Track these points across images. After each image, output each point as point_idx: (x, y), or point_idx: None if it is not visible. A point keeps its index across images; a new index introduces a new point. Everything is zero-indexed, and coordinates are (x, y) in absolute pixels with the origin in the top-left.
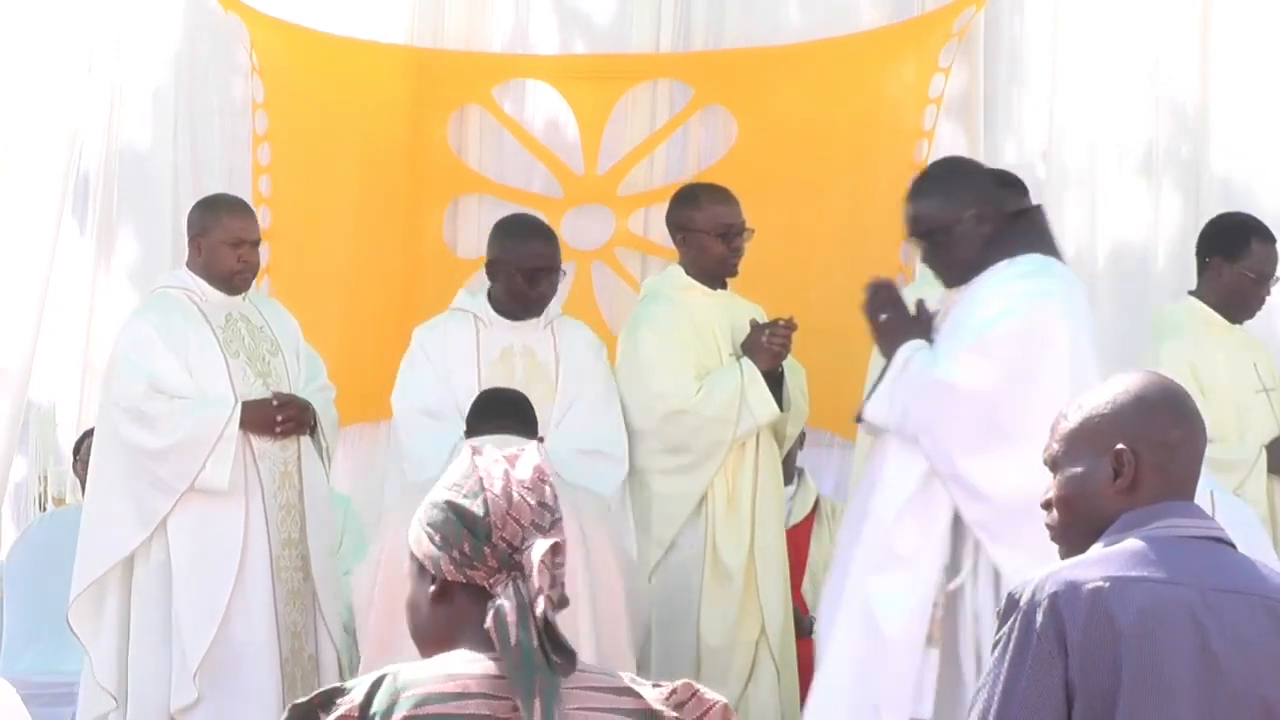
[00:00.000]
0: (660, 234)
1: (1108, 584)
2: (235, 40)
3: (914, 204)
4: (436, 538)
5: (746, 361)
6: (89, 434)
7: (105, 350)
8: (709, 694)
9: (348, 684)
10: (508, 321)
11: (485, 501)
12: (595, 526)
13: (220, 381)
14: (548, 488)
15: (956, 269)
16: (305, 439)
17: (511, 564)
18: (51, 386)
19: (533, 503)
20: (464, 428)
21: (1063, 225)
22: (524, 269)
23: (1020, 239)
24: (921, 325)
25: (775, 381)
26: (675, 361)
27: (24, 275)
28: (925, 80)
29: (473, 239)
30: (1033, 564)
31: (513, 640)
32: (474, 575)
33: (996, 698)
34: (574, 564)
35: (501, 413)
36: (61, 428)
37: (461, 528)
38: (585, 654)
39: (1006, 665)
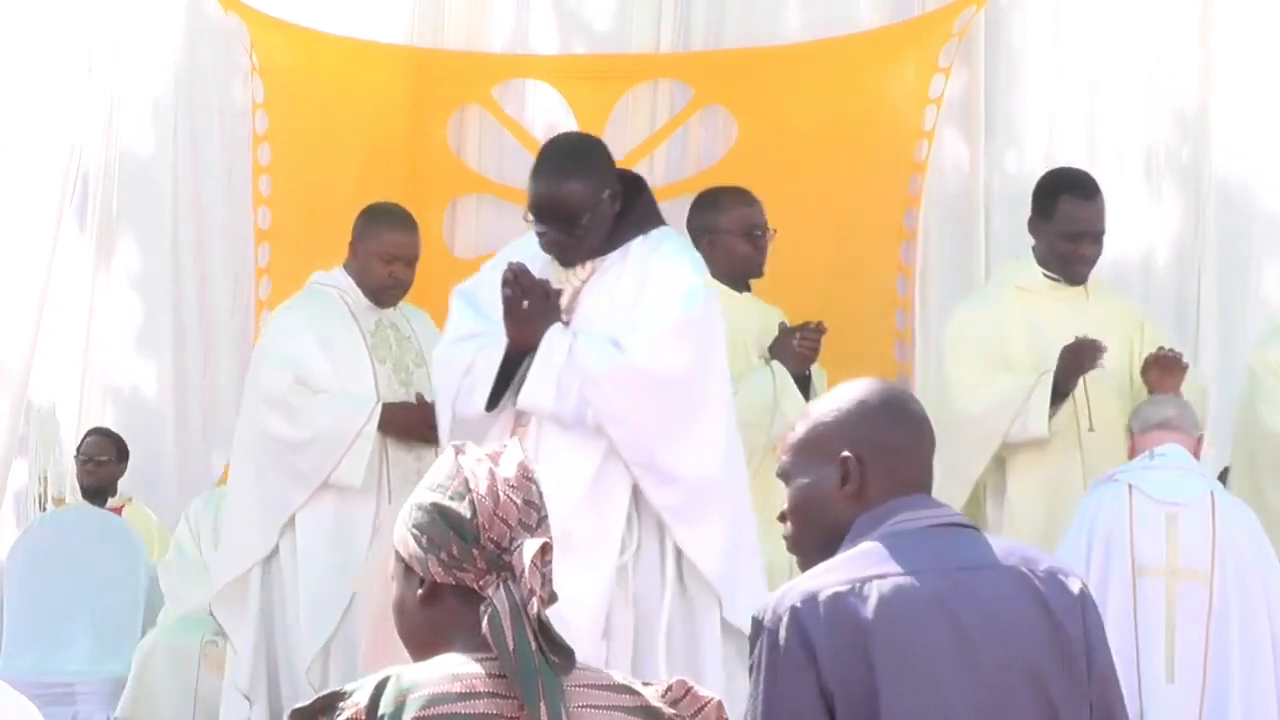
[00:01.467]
0: None
1: (846, 587)
2: (235, 41)
3: (560, 185)
4: (423, 539)
5: (777, 365)
6: (89, 434)
7: (105, 351)
8: (703, 691)
9: (348, 688)
10: None
11: (472, 503)
12: None
13: (365, 385)
14: (533, 485)
15: (588, 249)
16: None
17: (500, 565)
18: (51, 386)
19: (519, 502)
20: None
21: None
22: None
23: (643, 213)
24: (554, 308)
25: (803, 384)
26: None
27: (24, 277)
28: (925, 80)
29: (471, 239)
30: (716, 543)
31: (510, 645)
32: (463, 577)
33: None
34: None
35: None
36: (62, 428)
37: (448, 530)
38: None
39: (761, 686)
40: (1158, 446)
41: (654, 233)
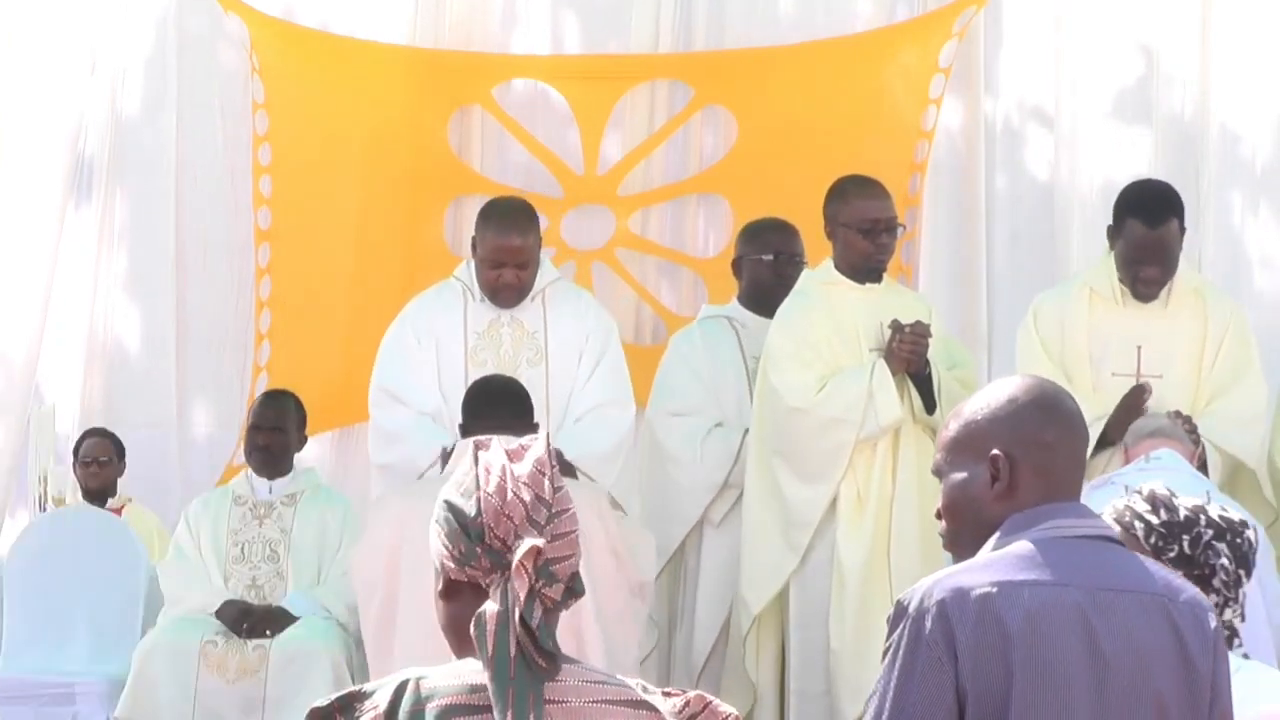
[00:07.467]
0: (660, 234)
1: (995, 589)
2: (233, 34)
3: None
4: (441, 535)
5: (880, 362)
6: (88, 434)
7: (106, 352)
8: (722, 706)
9: (367, 687)
10: (757, 318)
11: (478, 501)
12: (590, 523)
13: (449, 390)
14: (547, 482)
15: None
16: None
17: (504, 564)
18: (52, 387)
19: (527, 499)
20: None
21: (1068, 216)
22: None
23: None
24: None
25: (925, 382)
26: (799, 358)
27: (27, 277)
28: (925, 81)
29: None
30: None
31: (490, 651)
32: (473, 574)
33: (888, 704)
34: None
35: (496, 405)
36: (61, 428)
37: (457, 527)
38: (595, 654)
39: (897, 672)
40: (1153, 452)
41: None
